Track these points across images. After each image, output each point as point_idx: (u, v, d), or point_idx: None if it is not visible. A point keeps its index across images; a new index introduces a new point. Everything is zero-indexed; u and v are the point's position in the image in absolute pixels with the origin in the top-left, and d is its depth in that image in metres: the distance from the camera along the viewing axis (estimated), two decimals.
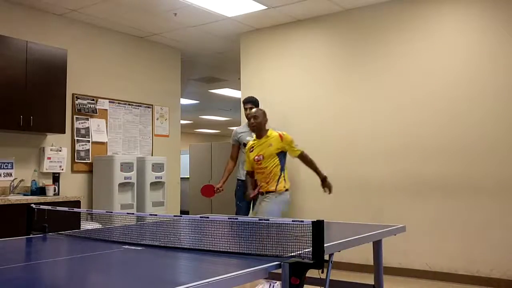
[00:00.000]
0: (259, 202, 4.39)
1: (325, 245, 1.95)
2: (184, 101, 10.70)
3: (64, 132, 5.36)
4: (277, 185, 4.29)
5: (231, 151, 5.41)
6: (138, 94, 6.57)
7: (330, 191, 4.41)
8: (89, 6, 5.44)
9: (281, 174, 4.33)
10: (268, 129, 4.44)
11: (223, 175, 5.29)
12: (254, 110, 4.52)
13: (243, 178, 5.16)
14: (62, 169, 5.52)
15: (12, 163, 5.15)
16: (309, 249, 1.96)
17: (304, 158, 4.42)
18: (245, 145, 5.15)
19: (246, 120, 5.21)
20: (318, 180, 4.40)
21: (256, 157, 4.35)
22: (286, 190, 4.35)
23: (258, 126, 4.41)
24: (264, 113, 4.46)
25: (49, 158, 5.41)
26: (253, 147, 4.44)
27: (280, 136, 4.34)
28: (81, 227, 4.44)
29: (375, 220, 5.06)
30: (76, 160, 5.77)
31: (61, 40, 5.61)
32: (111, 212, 3.02)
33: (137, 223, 3.38)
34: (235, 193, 5.43)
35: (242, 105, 5.44)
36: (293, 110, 5.97)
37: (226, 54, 7.41)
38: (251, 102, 5.34)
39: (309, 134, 5.82)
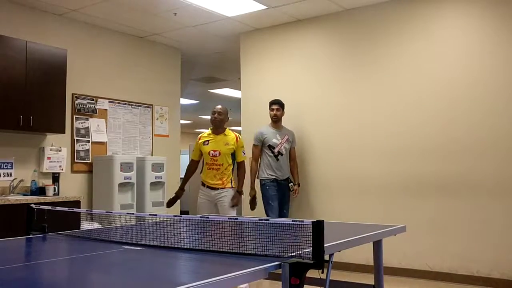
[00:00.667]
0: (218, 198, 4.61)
1: (325, 245, 1.95)
2: (184, 101, 10.69)
3: (64, 132, 5.35)
4: (231, 182, 4.63)
5: (254, 152, 5.42)
6: (138, 94, 6.57)
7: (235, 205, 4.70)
8: (89, 6, 5.43)
9: (231, 173, 4.63)
10: (226, 128, 4.69)
11: (251, 179, 5.34)
12: (219, 107, 4.70)
13: (273, 175, 5.28)
14: (62, 169, 5.52)
15: (12, 163, 5.14)
16: (309, 249, 1.96)
17: (241, 165, 4.74)
18: (270, 146, 5.33)
19: (270, 121, 5.50)
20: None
21: (212, 152, 4.58)
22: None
23: (220, 123, 4.66)
24: (227, 113, 4.71)
25: (49, 158, 5.40)
26: (208, 140, 4.65)
27: (237, 138, 4.66)
28: (81, 227, 4.44)
29: (375, 220, 5.06)
30: (76, 160, 5.77)
31: (61, 40, 5.60)
32: (111, 212, 3.02)
33: (137, 223, 3.38)
34: (262, 193, 5.36)
35: (268, 106, 5.54)
36: (293, 110, 5.96)
37: (226, 54, 7.41)
38: (279, 103, 5.46)
39: (308, 133, 5.82)
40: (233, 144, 4.61)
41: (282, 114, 5.48)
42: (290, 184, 5.42)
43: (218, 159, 4.58)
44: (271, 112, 5.46)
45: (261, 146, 5.39)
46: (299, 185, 5.54)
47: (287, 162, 5.47)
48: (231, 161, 4.64)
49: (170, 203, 4.91)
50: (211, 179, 4.63)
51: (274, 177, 5.32)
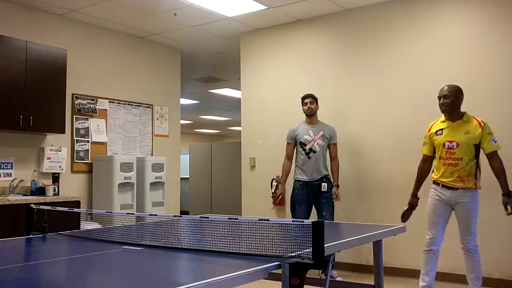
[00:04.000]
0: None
1: (325, 245, 1.95)
2: (184, 101, 10.70)
3: (64, 132, 5.35)
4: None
5: (286, 150, 5.20)
6: (138, 94, 6.57)
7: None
8: (89, 6, 5.43)
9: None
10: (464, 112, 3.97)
11: (283, 178, 5.16)
12: (446, 88, 3.93)
13: (302, 178, 5.04)
14: (62, 169, 5.52)
15: (11, 163, 5.14)
16: (309, 249, 1.96)
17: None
18: (301, 144, 5.07)
19: (305, 117, 5.20)
20: None
21: (448, 143, 3.88)
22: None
23: (451, 106, 3.88)
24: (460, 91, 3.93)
25: (48, 158, 5.40)
26: (442, 129, 3.95)
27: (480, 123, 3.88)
28: (81, 227, 4.45)
29: (375, 220, 5.06)
30: (75, 160, 5.77)
31: (61, 40, 5.60)
32: (111, 212, 3.02)
33: (137, 223, 3.38)
34: (291, 196, 5.12)
35: (300, 101, 5.22)
36: (293, 109, 5.96)
37: (226, 54, 7.41)
38: (312, 97, 5.14)
39: None
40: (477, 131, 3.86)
41: (317, 108, 5.13)
42: (323, 184, 4.99)
43: (456, 152, 3.85)
44: (304, 107, 5.13)
45: (295, 143, 5.13)
46: (337, 187, 5.03)
47: (323, 160, 5.06)
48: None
49: (406, 217, 4.17)
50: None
51: (303, 180, 5.02)
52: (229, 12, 5.70)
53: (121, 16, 5.81)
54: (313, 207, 5.09)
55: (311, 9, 5.65)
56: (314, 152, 5.02)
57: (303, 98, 5.20)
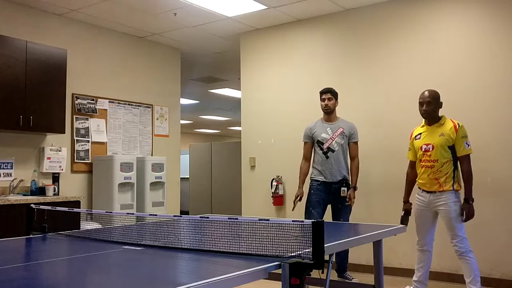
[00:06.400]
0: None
1: (325, 245, 1.95)
2: (184, 101, 10.70)
3: (64, 132, 5.35)
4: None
5: (303, 149, 4.85)
6: (138, 94, 6.57)
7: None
8: (89, 6, 5.43)
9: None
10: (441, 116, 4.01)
11: (300, 179, 4.78)
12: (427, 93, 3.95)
13: (320, 178, 4.71)
14: (62, 169, 5.52)
15: (11, 163, 5.14)
16: (309, 249, 1.96)
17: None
18: (318, 142, 4.73)
19: (322, 113, 4.85)
20: None
21: (424, 146, 3.94)
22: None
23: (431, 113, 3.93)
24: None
25: (48, 158, 5.40)
26: (420, 133, 4.03)
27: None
28: (81, 227, 4.45)
29: (375, 220, 5.05)
30: (75, 160, 5.77)
31: (61, 40, 5.61)
32: (111, 212, 3.02)
33: (137, 223, 3.38)
34: (307, 196, 4.76)
35: (319, 96, 4.86)
36: (293, 109, 5.96)
37: (226, 54, 7.41)
38: (330, 92, 4.76)
39: None
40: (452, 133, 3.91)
41: (336, 104, 4.77)
42: (342, 189, 4.65)
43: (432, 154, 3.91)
44: (322, 103, 4.76)
45: (312, 143, 4.78)
46: (355, 189, 4.69)
47: (343, 160, 4.71)
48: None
49: (404, 221, 4.04)
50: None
51: (321, 180, 4.68)
52: (229, 12, 5.70)
53: (121, 16, 5.81)
54: (329, 209, 4.79)
55: (311, 9, 5.65)
56: (333, 151, 4.67)
57: (321, 93, 4.81)
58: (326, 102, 4.75)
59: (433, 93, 3.94)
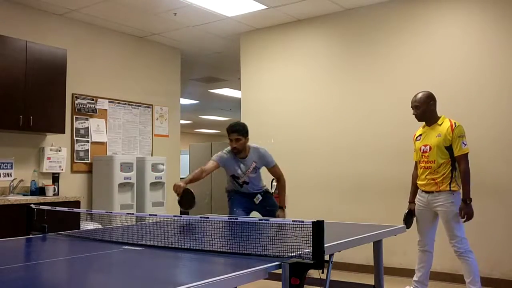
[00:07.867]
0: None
1: (325, 245, 1.95)
2: (184, 101, 10.69)
3: (64, 132, 5.35)
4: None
5: (209, 164, 4.31)
6: (138, 94, 6.57)
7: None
8: (89, 6, 5.43)
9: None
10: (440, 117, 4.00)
11: (187, 179, 4.16)
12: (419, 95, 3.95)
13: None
14: (62, 169, 5.52)
15: (11, 163, 5.14)
16: (309, 249, 1.96)
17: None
18: (234, 176, 4.34)
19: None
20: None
21: (423, 147, 3.97)
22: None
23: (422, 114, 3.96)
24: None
25: (48, 158, 5.40)
26: (420, 135, 4.05)
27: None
28: (80, 227, 4.44)
29: (375, 220, 5.05)
30: (75, 160, 5.77)
31: (61, 40, 5.60)
32: (111, 213, 3.02)
33: (136, 223, 3.38)
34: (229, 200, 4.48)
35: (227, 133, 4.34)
36: (293, 109, 5.96)
37: (226, 54, 7.41)
38: (238, 131, 4.19)
39: (308, 133, 5.81)
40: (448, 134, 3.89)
41: (245, 142, 4.21)
42: (257, 196, 4.38)
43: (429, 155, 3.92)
44: (230, 143, 4.21)
45: (219, 167, 4.29)
46: (283, 208, 4.36)
47: (259, 183, 4.43)
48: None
49: (408, 221, 4.04)
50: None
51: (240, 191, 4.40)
52: (229, 12, 5.70)
53: (121, 16, 5.81)
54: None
55: (311, 9, 5.65)
56: (247, 183, 4.34)
57: (227, 131, 4.25)
58: (234, 144, 4.19)
59: (421, 97, 3.96)
